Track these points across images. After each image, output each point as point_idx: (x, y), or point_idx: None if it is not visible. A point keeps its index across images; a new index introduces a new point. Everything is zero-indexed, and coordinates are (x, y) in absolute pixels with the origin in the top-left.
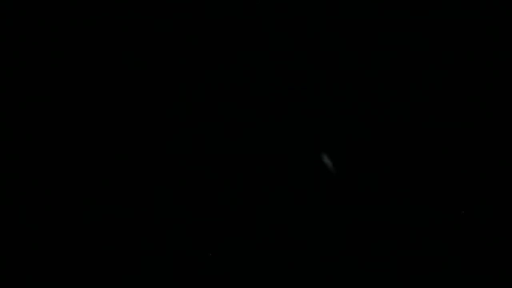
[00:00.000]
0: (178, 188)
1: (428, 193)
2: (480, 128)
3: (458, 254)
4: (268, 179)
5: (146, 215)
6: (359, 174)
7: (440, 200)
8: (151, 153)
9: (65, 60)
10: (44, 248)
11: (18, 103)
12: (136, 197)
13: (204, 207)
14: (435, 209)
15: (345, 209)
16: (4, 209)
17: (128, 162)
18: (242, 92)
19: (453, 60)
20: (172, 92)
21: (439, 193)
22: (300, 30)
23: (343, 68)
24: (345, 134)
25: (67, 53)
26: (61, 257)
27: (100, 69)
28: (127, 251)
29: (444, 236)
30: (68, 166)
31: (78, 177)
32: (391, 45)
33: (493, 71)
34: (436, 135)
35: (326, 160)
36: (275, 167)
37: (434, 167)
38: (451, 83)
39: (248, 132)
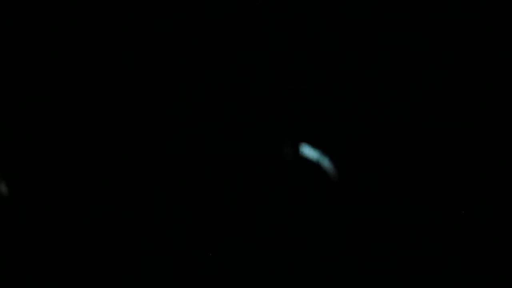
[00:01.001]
0: (178, 188)
1: (428, 193)
2: (480, 128)
3: (458, 254)
4: (268, 179)
5: (146, 215)
6: (359, 174)
7: (440, 200)
8: (151, 153)
9: (65, 60)
10: (44, 248)
11: (18, 103)
12: (136, 197)
13: (204, 207)
14: (435, 209)
15: (345, 209)
16: (4, 209)
17: (128, 162)
18: (242, 92)
19: (453, 60)
20: (172, 92)
21: (439, 193)
22: (300, 30)
23: (343, 68)
24: (345, 134)
25: (67, 53)
26: (61, 257)
27: (100, 69)
28: (127, 251)
29: (444, 236)
30: (68, 166)
31: (78, 177)
32: (391, 45)
33: (493, 71)
34: (436, 135)
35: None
36: (275, 167)
37: (434, 167)
38: (451, 83)
39: (248, 132)
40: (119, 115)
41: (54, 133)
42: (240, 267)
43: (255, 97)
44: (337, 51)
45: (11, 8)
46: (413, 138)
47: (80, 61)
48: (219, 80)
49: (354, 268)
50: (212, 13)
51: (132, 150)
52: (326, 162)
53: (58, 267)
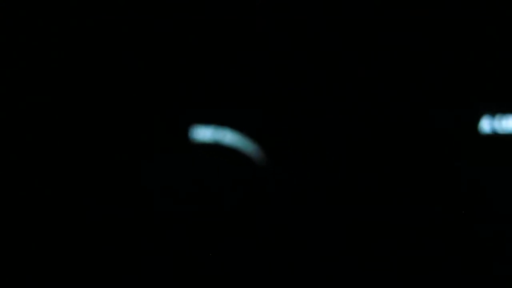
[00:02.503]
0: (178, 188)
1: (428, 193)
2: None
3: (458, 254)
4: (268, 179)
5: (146, 215)
6: (359, 174)
7: (440, 200)
8: (151, 153)
9: (65, 60)
10: (44, 248)
11: (18, 103)
12: (136, 197)
13: (204, 207)
14: (435, 209)
15: (344, 209)
16: (4, 209)
17: (128, 162)
18: (242, 92)
19: (453, 60)
20: (171, 93)
21: (439, 193)
22: (300, 30)
23: (343, 68)
24: (344, 134)
25: (67, 53)
26: (61, 257)
27: (100, 69)
28: (127, 251)
29: (444, 236)
30: (68, 166)
31: (77, 177)
32: (391, 45)
33: (493, 71)
34: (436, 135)
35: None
36: (275, 167)
37: (434, 167)
38: (451, 83)
39: (248, 132)
40: (119, 115)
41: (54, 133)
42: (240, 267)
43: (254, 97)
44: (337, 51)
45: (11, 8)
46: (413, 138)
47: (80, 61)
48: (219, 80)
49: (354, 268)
50: (212, 13)
51: (132, 150)
52: (229, 139)
53: (58, 267)
